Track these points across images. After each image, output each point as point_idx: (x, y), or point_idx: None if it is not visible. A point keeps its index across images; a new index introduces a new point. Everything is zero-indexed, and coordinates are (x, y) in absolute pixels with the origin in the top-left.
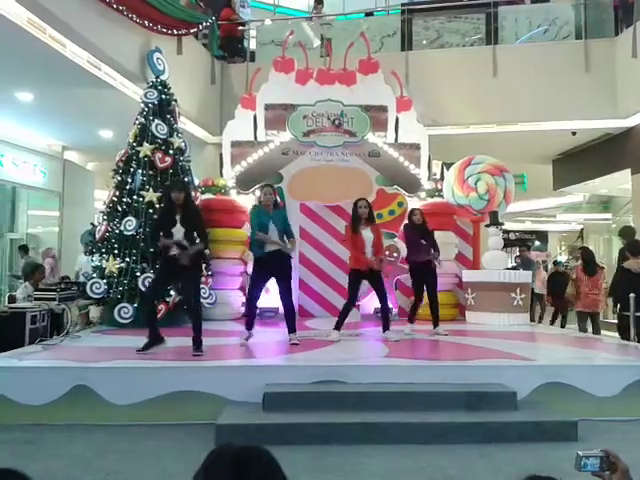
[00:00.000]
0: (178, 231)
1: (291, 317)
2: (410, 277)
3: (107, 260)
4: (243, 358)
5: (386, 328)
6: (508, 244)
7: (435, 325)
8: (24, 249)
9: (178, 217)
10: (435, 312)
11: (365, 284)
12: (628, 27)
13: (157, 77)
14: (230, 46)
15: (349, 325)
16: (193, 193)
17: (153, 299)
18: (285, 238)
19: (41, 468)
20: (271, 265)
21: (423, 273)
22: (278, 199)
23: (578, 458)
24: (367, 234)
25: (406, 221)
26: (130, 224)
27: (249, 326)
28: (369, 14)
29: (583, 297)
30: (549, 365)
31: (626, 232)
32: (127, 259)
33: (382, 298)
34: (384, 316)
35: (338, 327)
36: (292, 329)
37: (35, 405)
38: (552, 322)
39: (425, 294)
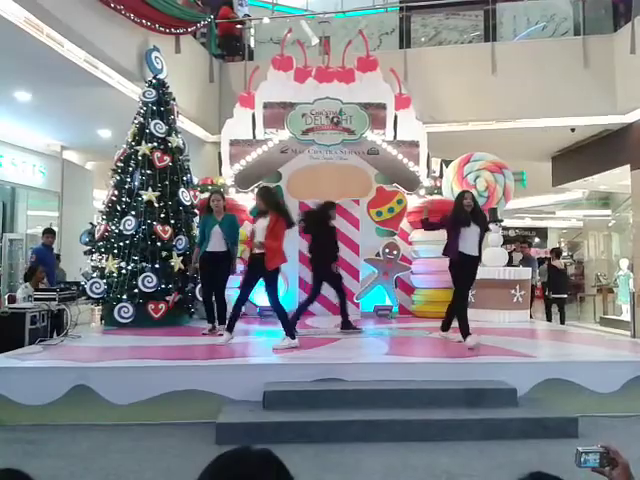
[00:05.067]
0: None
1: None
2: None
3: (107, 260)
4: (243, 357)
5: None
6: (508, 241)
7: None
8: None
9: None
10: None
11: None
12: (627, 23)
13: (155, 76)
14: (228, 44)
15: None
16: (192, 192)
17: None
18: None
19: (43, 468)
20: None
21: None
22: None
23: (578, 454)
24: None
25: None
26: (129, 223)
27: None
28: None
29: None
30: (549, 362)
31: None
32: (127, 258)
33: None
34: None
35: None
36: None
37: (36, 405)
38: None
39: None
